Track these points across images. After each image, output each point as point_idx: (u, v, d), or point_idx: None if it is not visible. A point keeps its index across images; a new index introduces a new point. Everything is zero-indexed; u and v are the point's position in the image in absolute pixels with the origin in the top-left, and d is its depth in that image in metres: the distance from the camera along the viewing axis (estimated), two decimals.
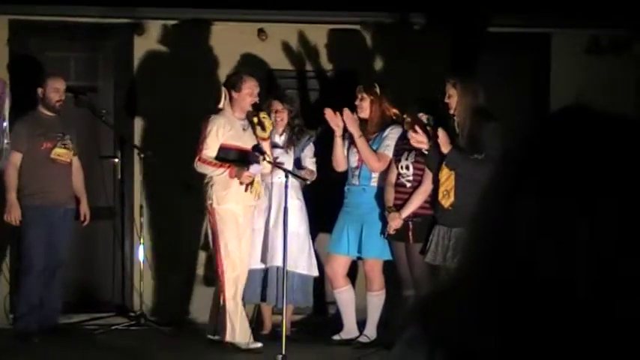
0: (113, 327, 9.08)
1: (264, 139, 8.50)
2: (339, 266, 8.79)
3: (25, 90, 8.86)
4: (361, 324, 8.76)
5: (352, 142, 8.69)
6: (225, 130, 8.37)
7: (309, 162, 8.87)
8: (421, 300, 1.36)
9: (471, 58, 9.50)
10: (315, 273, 8.91)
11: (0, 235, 9.27)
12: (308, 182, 8.70)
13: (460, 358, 1.23)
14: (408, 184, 8.43)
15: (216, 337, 8.47)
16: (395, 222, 8.32)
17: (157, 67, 9.78)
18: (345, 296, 8.82)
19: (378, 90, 8.66)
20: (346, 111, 8.53)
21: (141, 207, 9.28)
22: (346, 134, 8.71)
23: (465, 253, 1.32)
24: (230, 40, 9.79)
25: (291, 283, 8.67)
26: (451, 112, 7.90)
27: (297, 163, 8.83)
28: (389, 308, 8.64)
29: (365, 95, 8.67)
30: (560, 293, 1.19)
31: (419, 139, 7.88)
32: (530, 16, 9.72)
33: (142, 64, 9.81)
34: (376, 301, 8.74)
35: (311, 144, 8.94)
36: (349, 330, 8.79)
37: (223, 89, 8.55)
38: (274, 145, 8.74)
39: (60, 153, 8.75)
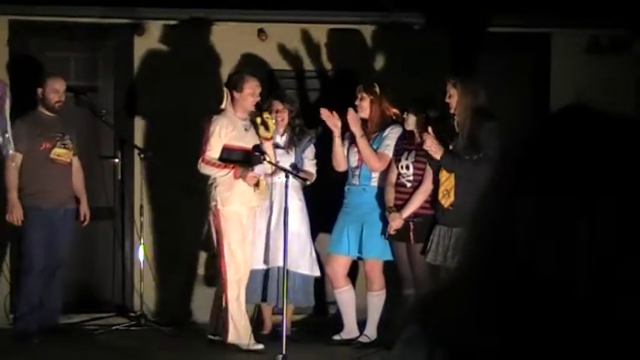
0: (113, 327, 9.08)
1: (267, 139, 8.50)
2: (339, 266, 8.79)
3: (25, 90, 8.86)
4: (361, 324, 8.76)
5: (352, 142, 8.69)
6: (227, 131, 8.35)
7: (309, 164, 8.86)
8: (421, 299, 1.37)
9: (470, 58, 9.50)
10: (317, 273, 8.91)
11: (0, 235, 9.28)
12: (307, 183, 8.70)
13: (459, 357, 1.23)
14: (409, 184, 8.43)
15: (217, 338, 8.47)
16: (396, 222, 8.32)
17: (157, 67, 9.78)
18: (345, 296, 8.82)
19: (377, 90, 8.65)
20: (350, 111, 8.53)
21: (141, 207, 9.28)
22: (346, 134, 8.71)
23: (465, 252, 1.33)
24: (230, 40, 9.79)
25: (292, 284, 8.68)
26: (451, 111, 7.91)
27: (298, 164, 8.82)
28: (389, 308, 8.64)
29: (365, 95, 8.66)
30: (560, 293, 1.20)
31: (434, 150, 7.85)
32: (530, 16, 9.72)
33: (142, 65, 9.81)
34: (376, 301, 8.74)
35: (312, 145, 8.93)
36: (350, 330, 8.79)
37: (225, 89, 8.54)
38: (275, 146, 8.73)
39: (60, 153, 8.75)
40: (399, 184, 8.48)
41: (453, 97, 7.88)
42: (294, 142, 8.85)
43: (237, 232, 8.32)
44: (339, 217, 8.77)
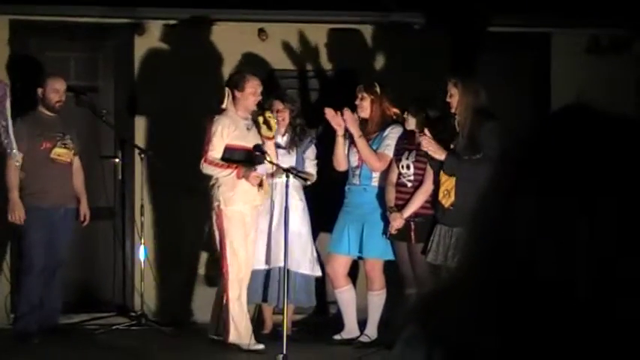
0: (114, 327, 9.08)
1: (269, 139, 8.50)
2: (339, 266, 8.79)
3: (26, 90, 8.87)
4: (362, 324, 8.76)
5: (353, 142, 8.69)
6: (230, 131, 8.34)
7: (310, 164, 8.86)
8: (420, 299, 1.37)
9: (470, 58, 9.50)
10: (318, 273, 8.91)
11: (0, 235, 9.28)
12: (308, 183, 8.70)
13: (459, 357, 1.23)
14: (409, 184, 8.42)
15: (219, 337, 8.47)
16: (397, 222, 8.31)
17: (157, 67, 9.78)
18: (345, 296, 8.82)
19: (378, 89, 8.65)
20: (347, 111, 8.53)
21: (142, 207, 9.28)
22: (347, 134, 8.71)
23: (465, 252, 1.33)
24: (230, 40, 9.79)
25: (294, 284, 8.69)
26: (452, 111, 7.91)
27: (299, 164, 8.81)
28: (390, 308, 8.64)
29: (365, 95, 8.66)
30: (560, 293, 1.20)
31: (433, 149, 7.85)
32: (530, 16, 9.71)
33: (143, 64, 9.81)
34: (377, 300, 8.74)
35: (313, 146, 8.93)
36: (350, 330, 8.79)
37: (226, 89, 8.53)
38: (277, 146, 8.73)
39: (60, 153, 8.75)
40: (399, 184, 8.48)
41: (454, 97, 7.88)
42: (295, 142, 8.84)
43: (240, 231, 8.31)
44: (340, 217, 8.77)
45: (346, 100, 8.68)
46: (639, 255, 1.19)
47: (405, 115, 8.48)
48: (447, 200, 7.79)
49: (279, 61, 9.88)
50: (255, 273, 8.58)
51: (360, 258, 8.94)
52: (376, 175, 8.67)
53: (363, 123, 8.67)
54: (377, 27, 9.91)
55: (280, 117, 8.74)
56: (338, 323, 8.86)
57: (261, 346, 8.30)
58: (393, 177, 8.52)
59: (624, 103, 8.85)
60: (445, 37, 9.68)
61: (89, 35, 9.72)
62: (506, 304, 1.22)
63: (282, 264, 8.21)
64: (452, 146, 7.87)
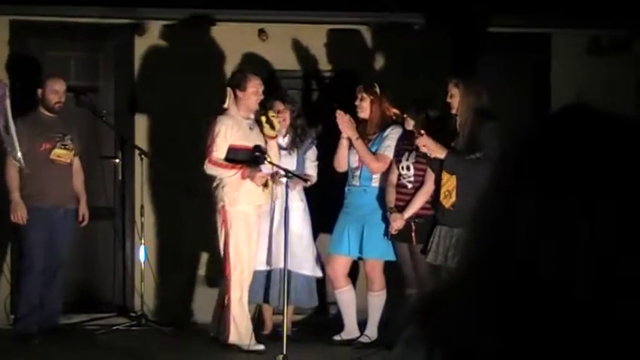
0: (114, 327, 9.08)
1: (271, 138, 8.50)
2: (339, 266, 8.79)
3: (26, 90, 8.87)
4: (362, 324, 8.76)
5: (352, 143, 8.69)
6: (233, 131, 8.33)
7: (311, 165, 8.85)
8: (420, 299, 1.37)
9: (471, 59, 9.50)
10: (319, 274, 8.91)
11: (1, 236, 9.28)
12: (308, 184, 8.70)
13: (459, 357, 1.23)
14: (410, 185, 8.42)
15: (219, 337, 8.47)
16: (397, 222, 8.31)
17: (157, 67, 9.78)
18: (345, 296, 8.82)
19: (378, 90, 8.65)
20: (341, 114, 8.51)
21: (142, 207, 9.28)
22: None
23: (465, 252, 1.33)
24: (231, 41, 9.79)
25: (295, 285, 8.70)
26: (453, 111, 7.90)
27: (300, 165, 8.80)
28: (390, 308, 8.64)
29: (365, 95, 8.66)
30: (560, 293, 1.19)
31: (424, 143, 7.85)
32: (531, 17, 9.71)
33: (143, 65, 9.81)
34: (377, 301, 8.73)
35: (313, 147, 8.91)
36: (350, 330, 8.79)
37: (228, 89, 8.51)
38: (278, 147, 8.72)
39: (59, 154, 8.75)
40: (400, 185, 8.47)
41: (455, 97, 7.87)
42: (296, 143, 8.83)
43: (244, 232, 8.31)
44: (340, 218, 8.77)
45: (346, 101, 8.68)
46: (639, 255, 1.19)
47: (404, 116, 8.48)
48: (447, 201, 7.79)
49: (280, 61, 9.88)
50: (256, 274, 8.58)
51: (360, 259, 8.94)
52: (376, 176, 8.67)
53: (362, 124, 8.67)
54: (377, 28, 9.91)
55: (281, 118, 8.73)
56: (338, 324, 8.86)
57: (261, 347, 8.30)
58: (394, 178, 8.52)
59: (624, 104, 8.85)
60: (445, 37, 9.68)
61: (89, 35, 9.73)
62: (506, 304, 1.22)
63: (282, 265, 8.20)
64: (452, 146, 7.86)
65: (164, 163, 9.34)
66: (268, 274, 8.75)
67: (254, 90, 8.39)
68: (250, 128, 8.43)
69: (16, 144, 8.35)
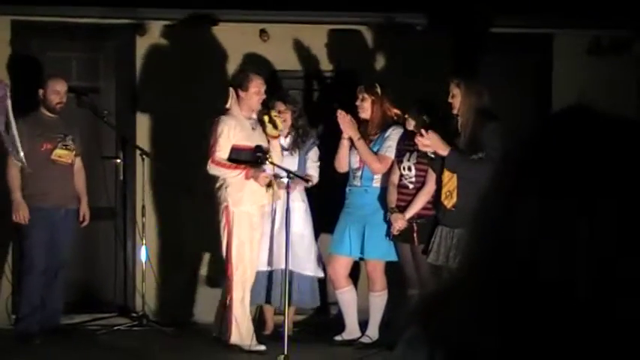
0: (115, 327, 9.09)
1: (274, 137, 8.50)
2: (340, 267, 8.79)
3: (27, 90, 8.87)
4: (363, 325, 8.76)
5: (353, 143, 8.68)
6: (236, 131, 8.32)
7: (312, 166, 8.84)
8: (422, 300, 1.37)
9: (473, 59, 9.50)
10: (321, 274, 8.91)
11: (2, 236, 9.28)
12: (309, 185, 8.70)
13: (460, 357, 1.24)
14: (411, 186, 8.42)
15: (221, 337, 8.48)
16: (398, 223, 8.31)
17: (158, 67, 9.78)
18: (346, 297, 8.82)
19: (379, 90, 8.64)
20: (342, 114, 8.51)
21: (143, 207, 9.28)
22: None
23: (466, 252, 1.33)
24: (232, 41, 9.79)
25: (298, 285, 8.70)
26: (454, 112, 7.90)
27: (301, 165, 8.79)
28: (391, 309, 8.64)
29: (366, 95, 8.66)
30: (561, 293, 1.20)
31: (426, 143, 7.85)
32: (532, 17, 9.72)
33: (144, 65, 9.82)
34: (378, 301, 8.73)
35: (315, 147, 8.90)
36: (351, 330, 8.79)
37: (230, 89, 8.50)
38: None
39: (60, 154, 8.75)
40: (401, 186, 8.47)
41: (456, 98, 7.87)
42: (297, 143, 8.82)
43: (247, 232, 8.31)
44: (341, 218, 8.76)
45: (347, 101, 8.68)
46: (639, 255, 1.19)
47: (405, 116, 8.47)
48: (449, 201, 7.79)
49: (281, 61, 9.88)
50: (258, 274, 8.58)
51: (361, 259, 8.94)
52: (377, 177, 8.67)
53: (363, 124, 8.66)
54: (378, 28, 9.90)
55: (282, 118, 8.72)
56: (339, 324, 8.86)
57: (262, 347, 8.30)
58: (395, 178, 8.52)
59: (625, 104, 8.85)
60: (447, 38, 9.68)
61: (90, 36, 9.73)
62: (507, 304, 1.22)
63: (284, 265, 8.20)
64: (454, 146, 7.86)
65: (165, 163, 9.35)
66: (270, 275, 8.75)
67: (256, 90, 8.38)
68: (253, 128, 8.43)
69: (18, 144, 8.35)
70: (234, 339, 8.33)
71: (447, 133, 7.90)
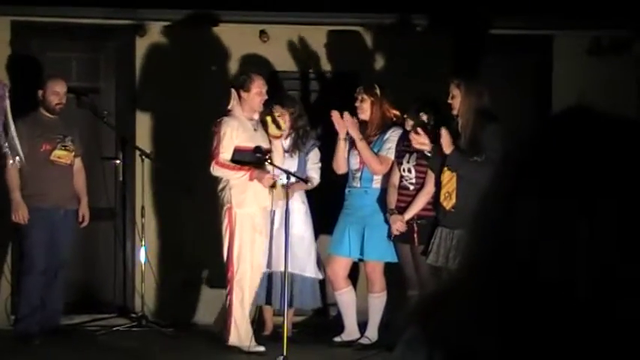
0: (114, 328, 9.09)
1: (276, 137, 8.50)
2: (339, 268, 8.79)
3: (27, 91, 8.87)
4: (362, 326, 8.76)
5: (353, 144, 8.68)
6: (238, 132, 8.31)
7: (313, 167, 8.82)
8: (421, 301, 1.37)
9: (473, 60, 9.50)
10: (320, 276, 8.91)
11: (1, 236, 9.28)
12: (309, 186, 8.69)
13: (459, 358, 1.23)
14: (411, 187, 8.41)
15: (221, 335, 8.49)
16: (397, 225, 8.31)
17: (158, 68, 9.79)
18: (345, 298, 8.81)
19: (378, 91, 8.64)
20: (346, 115, 8.52)
21: (142, 208, 9.28)
22: (347, 136, 8.70)
23: (466, 254, 1.33)
24: (232, 42, 9.80)
25: (299, 287, 8.70)
26: (454, 112, 7.90)
27: (301, 167, 8.78)
28: (390, 310, 8.64)
29: (365, 96, 8.65)
30: (561, 294, 1.20)
31: (420, 141, 7.87)
32: (532, 18, 9.72)
33: (144, 66, 9.82)
34: (377, 302, 8.73)
35: (316, 149, 8.89)
36: (350, 332, 8.78)
37: (232, 90, 8.48)
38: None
39: (60, 155, 8.74)
40: (402, 187, 8.47)
41: (456, 98, 7.86)
42: (297, 145, 8.80)
43: (249, 234, 8.30)
44: (340, 219, 8.76)
45: (347, 102, 8.68)
46: (639, 255, 1.19)
47: (405, 116, 8.46)
48: (448, 202, 7.79)
49: (281, 62, 9.88)
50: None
51: (360, 260, 8.94)
52: (377, 178, 8.66)
53: (363, 125, 8.66)
54: (378, 29, 9.90)
55: (281, 121, 8.73)
56: (338, 325, 8.86)
57: (261, 348, 8.30)
58: (395, 179, 8.51)
59: (626, 105, 8.85)
60: (447, 39, 9.68)
61: (90, 36, 9.73)
62: (506, 305, 1.22)
63: (284, 267, 8.19)
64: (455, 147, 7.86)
65: (165, 163, 9.35)
66: (270, 276, 8.74)
67: (258, 90, 8.38)
68: (255, 129, 8.43)
69: (17, 144, 8.35)
70: (233, 340, 8.33)
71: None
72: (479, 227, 1.30)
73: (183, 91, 9.59)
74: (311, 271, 8.80)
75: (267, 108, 8.55)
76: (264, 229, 8.47)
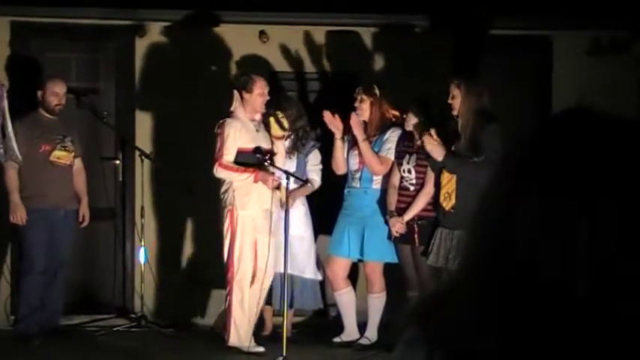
0: (114, 328, 9.09)
1: (278, 138, 8.50)
2: (339, 268, 8.79)
3: (27, 91, 8.87)
4: (362, 326, 8.76)
5: (352, 145, 8.68)
6: (241, 134, 8.30)
7: (313, 169, 8.81)
8: (421, 301, 1.37)
9: (473, 60, 9.50)
10: (320, 277, 8.91)
11: (1, 236, 9.28)
12: (309, 186, 8.68)
13: (459, 359, 1.23)
14: (412, 188, 8.40)
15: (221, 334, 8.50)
16: (396, 227, 8.31)
17: (158, 68, 9.79)
18: (345, 298, 8.81)
19: (377, 91, 8.64)
20: (353, 115, 8.52)
21: (142, 208, 9.28)
22: (345, 137, 8.70)
23: (465, 254, 1.33)
24: (231, 42, 9.80)
25: (300, 288, 8.70)
26: (454, 113, 7.89)
27: (300, 168, 8.76)
28: (390, 310, 8.63)
29: (364, 97, 8.65)
30: (561, 294, 1.19)
31: (436, 151, 7.81)
32: (532, 18, 9.72)
33: (143, 66, 9.82)
34: (377, 303, 8.73)
35: (316, 150, 8.87)
36: (350, 332, 8.78)
37: (235, 92, 8.47)
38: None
39: (59, 155, 8.74)
40: (402, 188, 8.46)
41: (456, 98, 7.86)
42: (297, 146, 8.79)
43: (250, 235, 8.29)
44: (339, 220, 8.76)
45: (347, 103, 8.67)
46: (639, 255, 1.19)
47: (404, 116, 8.46)
48: (447, 203, 7.78)
49: (280, 63, 9.88)
50: None
51: (360, 260, 8.93)
52: (377, 178, 8.66)
53: (362, 126, 8.65)
54: (378, 29, 9.91)
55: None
56: (338, 326, 8.86)
57: (261, 349, 8.30)
58: (396, 180, 8.51)
59: (625, 105, 8.86)
60: (447, 39, 9.68)
61: (90, 37, 9.73)
62: (506, 305, 1.22)
63: (283, 269, 8.19)
64: (453, 148, 7.85)
65: (165, 163, 9.35)
66: None
67: (260, 91, 8.37)
68: (257, 130, 8.42)
69: (14, 145, 8.34)
70: (233, 341, 8.32)
71: (446, 134, 7.90)
72: (479, 227, 1.30)
73: (182, 91, 9.59)
74: (310, 272, 8.80)
75: (270, 109, 8.54)
76: (267, 231, 8.45)
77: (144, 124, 9.78)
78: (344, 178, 8.82)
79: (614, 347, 1.19)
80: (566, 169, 1.23)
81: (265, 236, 8.34)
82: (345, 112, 8.57)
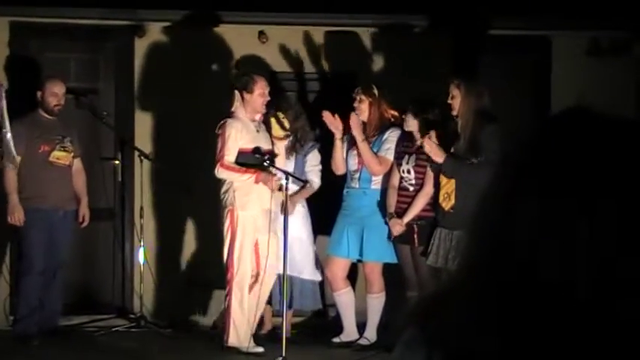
0: (113, 329, 9.08)
1: (279, 139, 8.49)
2: (338, 269, 8.78)
3: (26, 92, 8.86)
4: (361, 326, 8.76)
5: (351, 145, 8.67)
6: (242, 134, 8.30)
7: (312, 170, 8.80)
8: (420, 301, 1.36)
9: (472, 61, 9.50)
10: (319, 278, 8.90)
11: (0, 237, 9.28)
12: (308, 186, 8.67)
13: (458, 359, 1.23)
14: (411, 188, 8.40)
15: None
16: (396, 228, 8.30)
17: (157, 68, 9.79)
18: (344, 299, 8.81)
19: (376, 92, 8.64)
20: (353, 115, 8.51)
21: (141, 209, 9.28)
22: (344, 137, 8.69)
23: (465, 254, 1.32)
24: (231, 42, 9.80)
25: (299, 289, 8.69)
26: (454, 113, 7.89)
27: (299, 169, 8.75)
28: (389, 310, 8.63)
29: (363, 97, 8.65)
30: (561, 294, 1.19)
31: (435, 153, 7.82)
32: (531, 19, 9.72)
33: (143, 66, 9.81)
34: (376, 303, 8.73)
35: (315, 150, 8.86)
36: (349, 332, 8.78)
37: (235, 92, 8.46)
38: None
39: (59, 156, 8.74)
40: (401, 188, 8.46)
41: (456, 99, 7.86)
42: (295, 147, 8.78)
43: (250, 236, 8.29)
44: (338, 220, 8.75)
45: (347, 103, 8.67)
46: (639, 255, 1.19)
47: (403, 117, 8.45)
48: (447, 203, 7.78)
49: (280, 63, 9.88)
50: None
51: (359, 261, 8.93)
52: (376, 179, 8.66)
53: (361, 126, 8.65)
54: (377, 30, 9.91)
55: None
56: (337, 326, 8.86)
57: (260, 349, 8.30)
58: (395, 180, 8.51)
59: (624, 105, 8.86)
60: (447, 39, 9.68)
61: (89, 37, 9.73)
62: (506, 305, 1.22)
63: (286, 269, 8.18)
64: (452, 149, 7.85)
65: (164, 164, 9.34)
66: None
67: (261, 92, 8.37)
68: (257, 130, 8.42)
69: (12, 146, 8.34)
70: (232, 341, 8.32)
71: (446, 135, 7.90)
72: (478, 228, 1.30)
73: (182, 91, 9.59)
74: (308, 273, 8.79)
75: (271, 109, 8.54)
76: (267, 231, 8.44)
77: (143, 125, 9.78)
78: (343, 179, 8.82)
79: (614, 347, 1.18)
80: (565, 170, 1.23)
81: (266, 236, 8.34)
82: (344, 112, 8.56)
